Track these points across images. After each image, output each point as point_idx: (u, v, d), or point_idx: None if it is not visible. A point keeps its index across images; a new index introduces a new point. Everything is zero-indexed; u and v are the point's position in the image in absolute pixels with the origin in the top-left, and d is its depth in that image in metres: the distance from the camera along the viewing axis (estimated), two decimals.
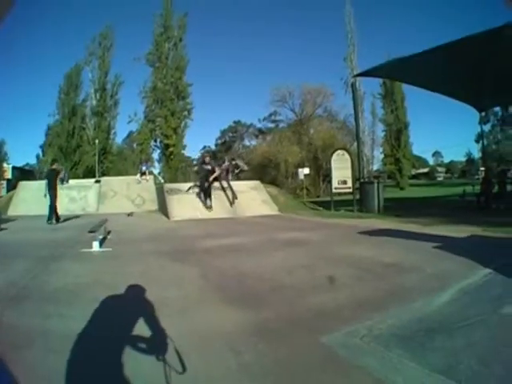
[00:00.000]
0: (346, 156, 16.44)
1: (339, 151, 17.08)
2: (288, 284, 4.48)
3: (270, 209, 15.18)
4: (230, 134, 62.09)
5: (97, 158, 32.32)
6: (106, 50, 36.64)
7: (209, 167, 15.09)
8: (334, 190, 16.43)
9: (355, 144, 20.32)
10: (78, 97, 36.66)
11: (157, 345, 2.58)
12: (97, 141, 33.60)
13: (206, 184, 14.62)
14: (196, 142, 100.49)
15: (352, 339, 2.84)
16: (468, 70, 13.28)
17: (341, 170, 16.19)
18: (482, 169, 20.84)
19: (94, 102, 36.43)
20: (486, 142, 28.07)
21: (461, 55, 12.05)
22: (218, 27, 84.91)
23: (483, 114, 21.16)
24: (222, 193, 15.47)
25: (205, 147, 62.98)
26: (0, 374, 1.05)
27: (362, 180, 16.45)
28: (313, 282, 4.57)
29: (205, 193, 14.84)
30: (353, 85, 18.52)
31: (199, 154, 59.32)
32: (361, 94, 29.41)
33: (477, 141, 28.31)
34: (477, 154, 34.99)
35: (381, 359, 2.52)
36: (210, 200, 14.74)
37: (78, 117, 35.73)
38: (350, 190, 16.04)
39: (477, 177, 27.91)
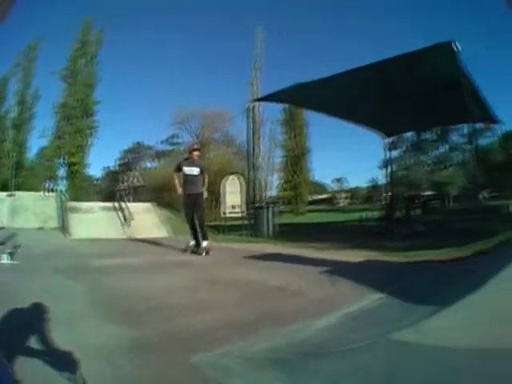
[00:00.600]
0: (239, 181, 17.33)
1: (232, 176, 18.10)
2: (170, 304, 4.77)
3: (163, 231, 16.03)
4: (131, 155, 61.61)
5: (11, 171, 32.58)
6: (31, 61, 36.72)
7: (196, 171, 10.19)
8: (227, 215, 17.20)
9: (256, 168, 20.98)
10: (2, 109, 36.83)
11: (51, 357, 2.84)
12: (15, 154, 33.94)
13: (191, 208, 10.20)
14: (100, 161, 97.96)
15: (223, 360, 2.97)
16: (378, 95, 14.13)
17: (233, 195, 17.13)
18: (386, 194, 22.18)
19: (14, 115, 36.64)
20: (393, 168, 29.93)
21: (370, 80, 12.77)
22: (129, 45, 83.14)
23: (391, 139, 22.66)
24: (114, 213, 16.18)
25: (105, 167, 61.49)
26: (0, 374, 1.21)
27: (255, 205, 17.17)
28: (194, 303, 4.88)
29: (191, 223, 10.26)
30: (249, 109, 18.84)
31: (101, 174, 57.75)
32: (260, 119, 30.24)
33: (382, 167, 30.04)
34: (382, 180, 37.01)
35: (252, 381, 2.65)
36: (205, 235, 10.12)
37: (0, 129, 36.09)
38: (242, 215, 16.51)
39: (380, 203, 29.59)
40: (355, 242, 11.66)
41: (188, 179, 10.09)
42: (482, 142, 32.51)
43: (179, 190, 10.22)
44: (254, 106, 18.61)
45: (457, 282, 4.96)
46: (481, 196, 21.23)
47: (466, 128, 22.12)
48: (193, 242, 10.22)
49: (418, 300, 4.42)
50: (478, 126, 30.24)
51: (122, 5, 61.55)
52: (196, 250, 10.00)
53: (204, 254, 9.68)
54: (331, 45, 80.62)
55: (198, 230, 10.16)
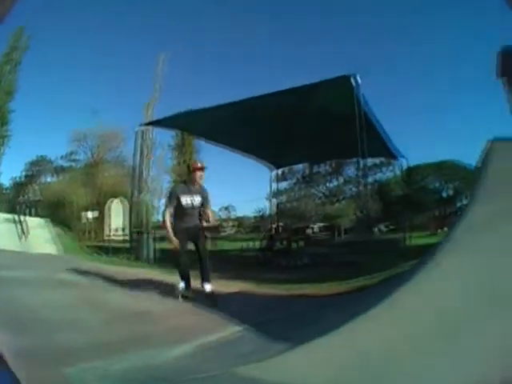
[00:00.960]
0: (122, 204, 18.00)
1: (116, 199, 19.50)
2: (50, 319, 5.37)
3: (54, 249, 16.35)
4: (35, 168, 59.59)
5: None
6: None
7: (197, 201, 7.43)
8: (110, 237, 18.14)
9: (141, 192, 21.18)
10: None
11: None
12: None
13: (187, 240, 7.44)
14: (11, 170, 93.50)
15: (85, 374, 3.52)
16: (270, 126, 14.66)
17: (117, 218, 18.36)
18: (273, 225, 22.78)
19: None
20: (281, 199, 30.73)
21: (261, 110, 13.21)
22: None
23: (280, 171, 23.43)
24: (13, 225, 16.37)
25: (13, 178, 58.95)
26: (0, 374, 1.25)
27: (137, 229, 17.43)
28: (68, 320, 5.43)
29: (184, 260, 7.46)
30: (138, 132, 18.80)
31: (9, 184, 55.18)
32: (151, 142, 30.30)
33: (269, 198, 30.89)
34: (269, 211, 37.77)
35: None
36: (207, 276, 7.30)
37: None
38: (124, 238, 16.66)
39: (267, 233, 30.17)
40: (232, 271, 11.74)
41: (186, 212, 7.41)
42: (383, 176, 34.37)
43: (174, 242, 7.22)
44: (146, 130, 18.63)
45: (326, 318, 5.07)
46: (376, 229, 22.24)
47: (361, 162, 23.21)
48: (182, 285, 7.48)
49: (280, 334, 4.54)
50: (379, 160, 32.10)
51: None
52: (187, 294, 7.42)
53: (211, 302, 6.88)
54: (234, 72, 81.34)
55: (199, 268, 7.46)
